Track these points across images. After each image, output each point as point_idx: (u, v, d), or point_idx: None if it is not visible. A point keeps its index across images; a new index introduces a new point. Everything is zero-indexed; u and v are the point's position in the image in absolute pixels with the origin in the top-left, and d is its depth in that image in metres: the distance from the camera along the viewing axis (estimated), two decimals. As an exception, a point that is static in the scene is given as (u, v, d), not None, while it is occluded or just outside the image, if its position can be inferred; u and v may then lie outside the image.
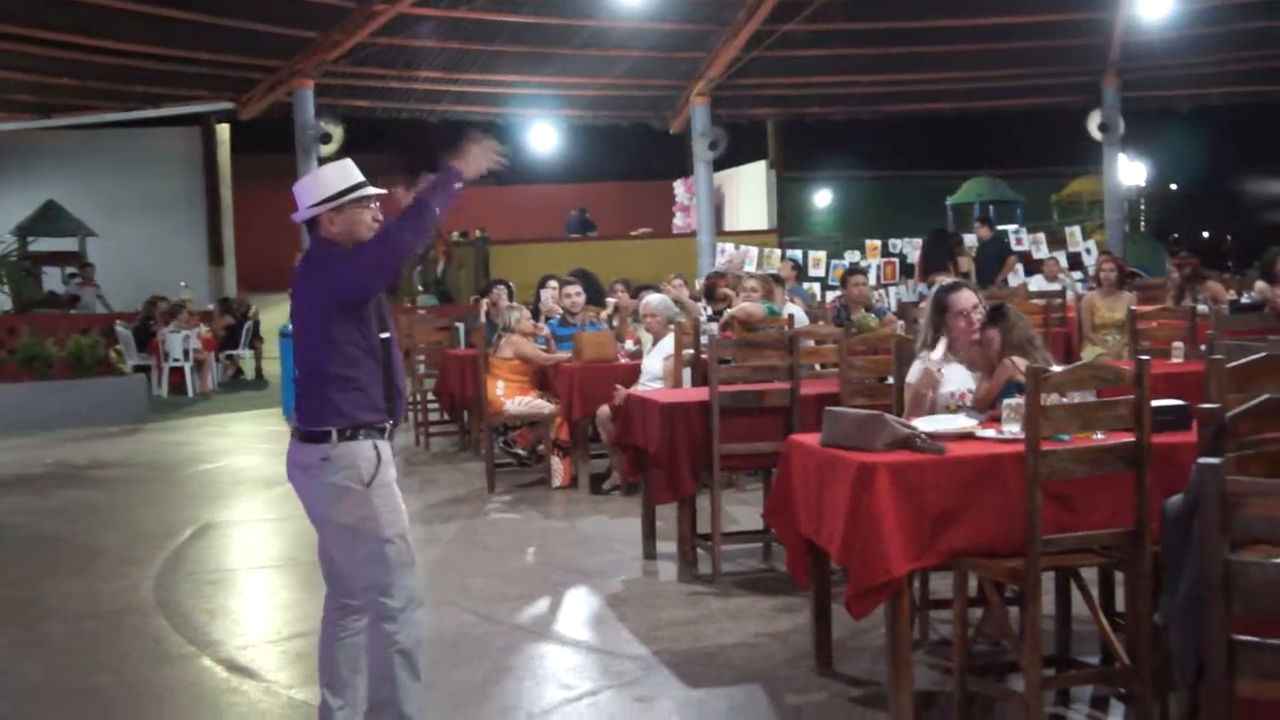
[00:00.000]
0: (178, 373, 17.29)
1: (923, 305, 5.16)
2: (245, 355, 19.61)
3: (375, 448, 3.75)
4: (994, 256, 15.56)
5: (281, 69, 16.76)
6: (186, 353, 17.37)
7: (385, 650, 3.79)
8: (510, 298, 10.76)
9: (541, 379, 9.39)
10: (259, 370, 19.83)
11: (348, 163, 3.90)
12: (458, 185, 3.75)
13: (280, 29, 16.03)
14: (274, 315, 20.34)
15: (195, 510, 8.76)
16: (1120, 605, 4.37)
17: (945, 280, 5.31)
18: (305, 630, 5.58)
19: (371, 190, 3.85)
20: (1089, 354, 9.70)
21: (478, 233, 24.19)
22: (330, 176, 3.84)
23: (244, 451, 11.83)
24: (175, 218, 23.42)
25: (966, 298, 5.06)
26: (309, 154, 16.25)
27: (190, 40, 15.79)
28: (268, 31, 16.00)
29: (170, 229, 23.22)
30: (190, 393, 17.13)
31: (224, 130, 24.07)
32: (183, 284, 20.75)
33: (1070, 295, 12.88)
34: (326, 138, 16.30)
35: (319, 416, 3.72)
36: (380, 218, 3.84)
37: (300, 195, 3.86)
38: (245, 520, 8.48)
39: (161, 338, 17.36)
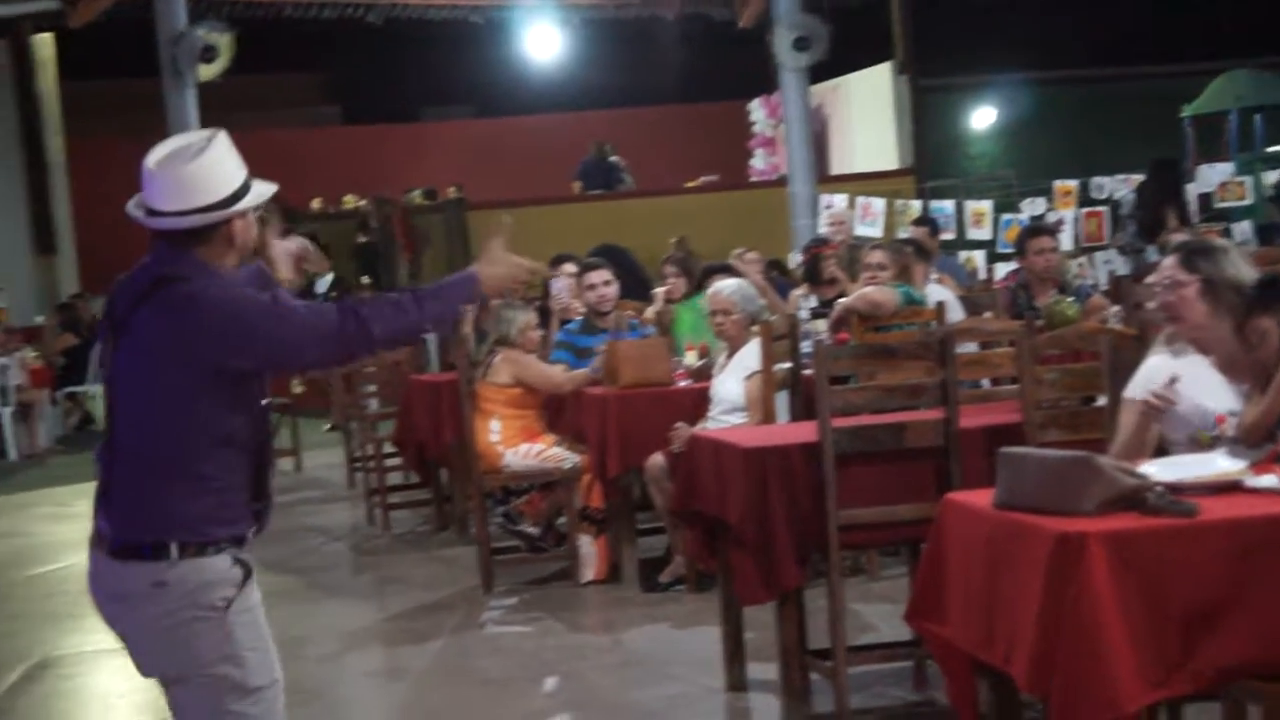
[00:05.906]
0: (-11, 423, 17.32)
1: (1153, 280, 5.19)
2: (96, 393, 19.55)
3: (237, 560, 3.89)
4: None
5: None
6: (3, 391, 17.34)
7: None
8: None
9: (559, 415, 9.40)
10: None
11: (223, 134, 3.94)
12: (467, 302, 3.99)
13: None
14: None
15: (26, 639, 8.79)
16: None
17: (1178, 239, 5.34)
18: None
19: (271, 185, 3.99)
20: None
21: (451, 192, 24.08)
22: (227, 162, 3.90)
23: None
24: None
25: (1162, 269, 5.17)
26: (183, 79, 16.30)
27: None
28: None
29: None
30: (11, 454, 17.14)
31: (45, 43, 23.62)
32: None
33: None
34: (210, 53, 16.33)
35: (147, 522, 3.81)
36: None
37: (180, 190, 3.82)
38: (103, 651, 8.39)
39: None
